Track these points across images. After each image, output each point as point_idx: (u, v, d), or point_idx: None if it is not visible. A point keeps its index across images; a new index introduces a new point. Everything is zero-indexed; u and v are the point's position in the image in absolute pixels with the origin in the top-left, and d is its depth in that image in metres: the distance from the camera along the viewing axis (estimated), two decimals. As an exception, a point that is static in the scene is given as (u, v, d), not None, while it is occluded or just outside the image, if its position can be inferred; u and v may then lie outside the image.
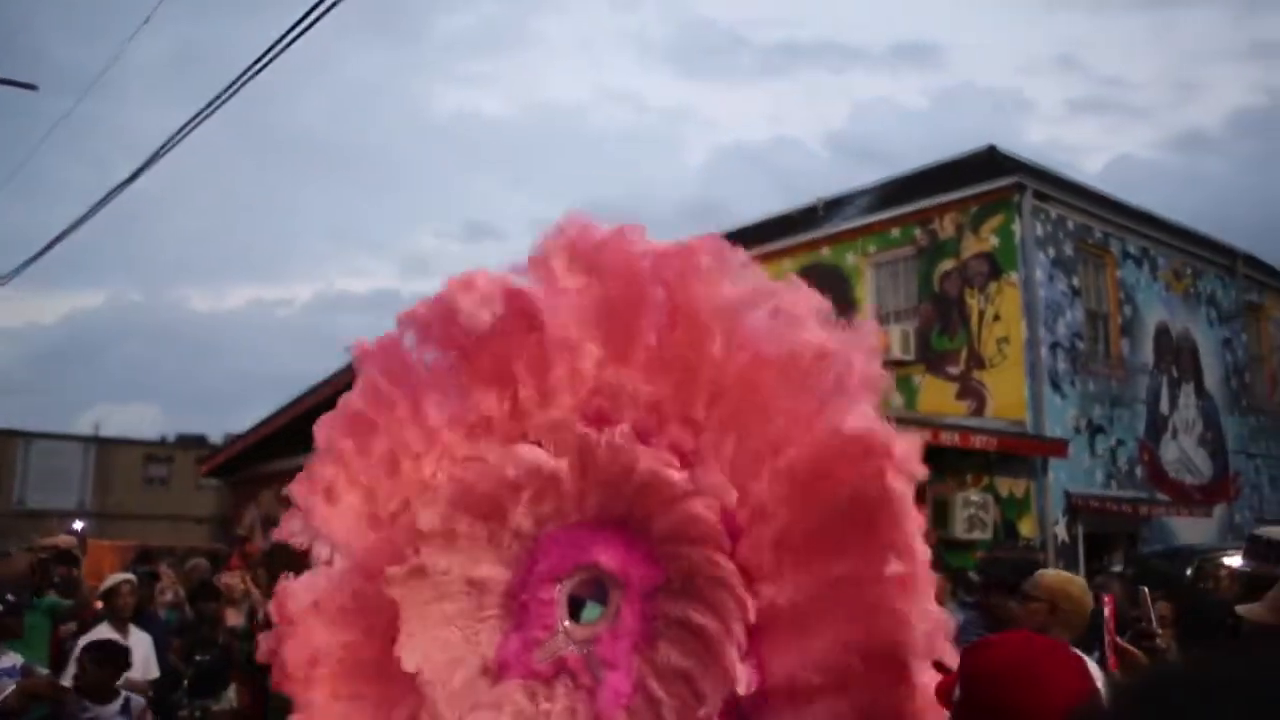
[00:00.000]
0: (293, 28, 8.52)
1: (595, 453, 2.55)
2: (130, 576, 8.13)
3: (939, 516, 13.60)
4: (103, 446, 43.93)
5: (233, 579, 10.55)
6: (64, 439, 43.32)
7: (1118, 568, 13.51)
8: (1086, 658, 2.29)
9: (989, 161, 17.83)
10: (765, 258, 19.15)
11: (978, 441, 13.91)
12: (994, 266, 16.01)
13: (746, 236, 20.46)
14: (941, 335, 16.48)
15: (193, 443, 44.83)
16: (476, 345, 2.68)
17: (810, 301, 2.46)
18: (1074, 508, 15.29)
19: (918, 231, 17.10)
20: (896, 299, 17.47)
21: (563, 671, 2.52)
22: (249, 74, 9.31)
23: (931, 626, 2.20)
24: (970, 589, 7.04)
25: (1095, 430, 16.35)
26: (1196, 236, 20.03)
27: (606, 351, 2.63)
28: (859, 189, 20.54)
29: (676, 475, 2.46)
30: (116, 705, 6.09)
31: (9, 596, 6.22)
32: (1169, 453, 17.69)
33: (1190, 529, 16.92)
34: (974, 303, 16.14)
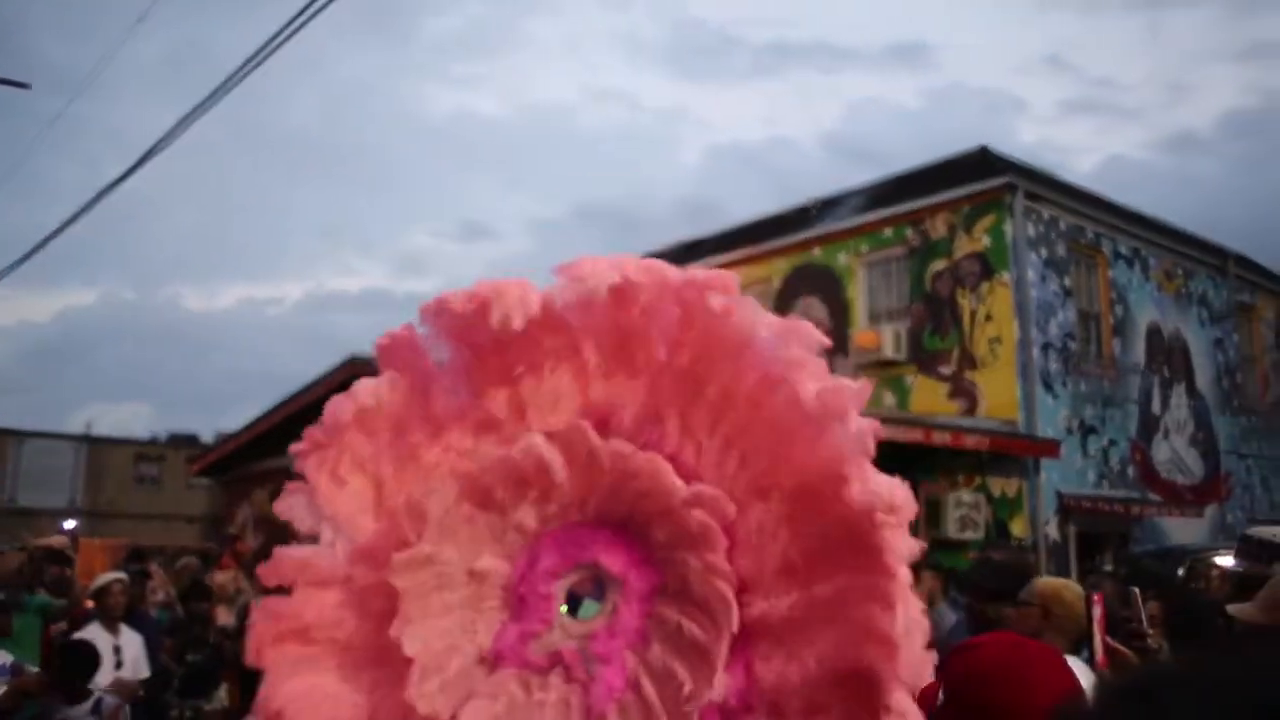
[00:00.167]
0: (285, 27, 8.52)
1: (599, 457, 2.58)
2: (121, 576, 8.11)
3: (931, 516, 13.63)
4: (94, 445, 43.87)
5: (224, 578, 10.56)
6: (56, 438, 43.24)
7: (1109, 568, 13.55)
8: (1075, 658, 2.29)
9: (981, 162, 17.86)
10: (758, 257, 19.19)
11: (970, 441, 13.94)
12: (986, 267, 16.04)
13: (740, 236, 20.53)
14: (933, 335, 16.50)
15: (184, 442, 44.76)
16: (493, 346, 2.71)
17: (816, 338, 2.54)
18: (1066, 508, 15.32)
19: (910, 231, 17.12)
20: (888, 299, 17.49)
21: (558, 664, 2.55)
22: (241, 73, 9.30)
23: (916, 661, 2.24)
24: (962, 590, 7.05)
25: (1087, 430, 16.38)
26: (1188, 237, 20.09)
27: (616, 361, 2.68)
28: (851, 189, 20.56)
29: (678, 483, 2.49)
30: (88, 705, 6.10)
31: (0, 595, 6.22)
32: (1161, 453, 17.73)
33: (1182, 529, 16.97)
34: (966, 303, 16.17)
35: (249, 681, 8.84)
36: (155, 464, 44.71)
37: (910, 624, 2.27)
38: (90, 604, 7.90)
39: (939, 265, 16.61)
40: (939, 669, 3.62)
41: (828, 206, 20.12)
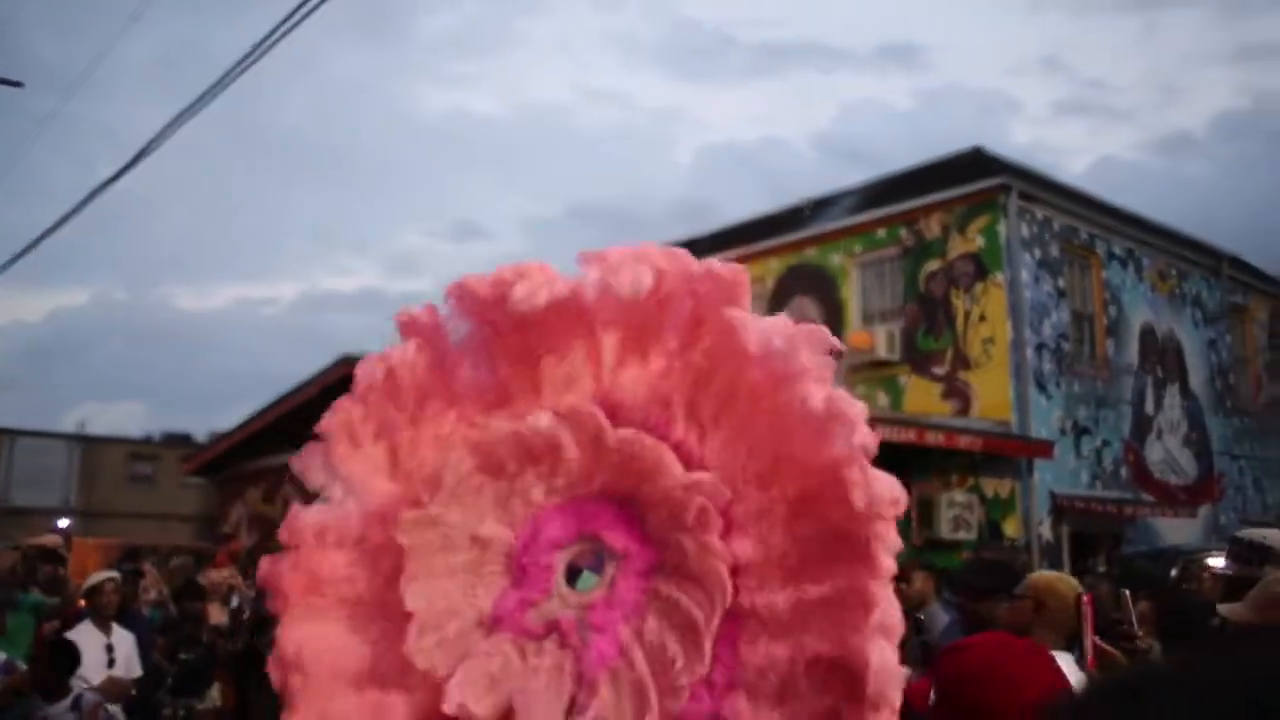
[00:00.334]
0: (278, 27, 8.51)
1: (606, 438, 2.68)
2: (114, 574, 8.09)
3: (924, 516, 13.64)
4: (88, 444, 43.79)
5: (218, 576, 10.54)
6: (49, 437, 43.17)
7: (1102, 569, 13.56)
8: (1065, 655, 2.31)
9: (975, 162, 17.87)
10: (752, 257, 19.17)
11: (963, 442, 13.96)
12: (980, 267, 16.05)
13: (734, 236, 20.52)
14: (927, 336, 16.52)
15: (178, 441, 44.68)
16: (512, 326, 2.80)
17: (827, 340, 2.61)
18: (1059, 508, 15.34)
19: (903, 232, 17.13)
20: (882, 299, 17.50)
21: (554, 632, 2.63)
22: (235, 73, 9.29)
23: (888, 669, 2.31)
24: (953, 590, 7.07)
25: (1080, 431, 16.40)
26: (1182, 238, 20.11)
27: (630, 349, 2.78)
28: (845, 189, 20.57)
29: (679, 469, 2.60)
30: (67, 702, 6.09)
31: (-8, 594, 6.22)
32: (1154, 453, 17.76)
33: (1175, 530, 16.98)
34: (960, 303, 16.18)
35: (242, 681, 8.85)
36: (149, 463, 44.62)
37: (888, 622, 2.35)
38: (83, 603, 7.88)
39: (933, 265, 16.62)
40: (930, 669, 3.64)
41: (822, 207, 20.12)
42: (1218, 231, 29.19)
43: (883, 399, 16.64)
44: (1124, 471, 17.02)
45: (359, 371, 2.92)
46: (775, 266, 18.96)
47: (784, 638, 2.48)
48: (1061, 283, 16.69)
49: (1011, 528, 14.81)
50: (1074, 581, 4.54)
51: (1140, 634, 4.16)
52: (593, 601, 2.66)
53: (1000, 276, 15.77)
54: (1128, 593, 4.14)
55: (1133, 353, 17.84)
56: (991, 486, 14.84)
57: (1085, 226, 17.46)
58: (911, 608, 7.63)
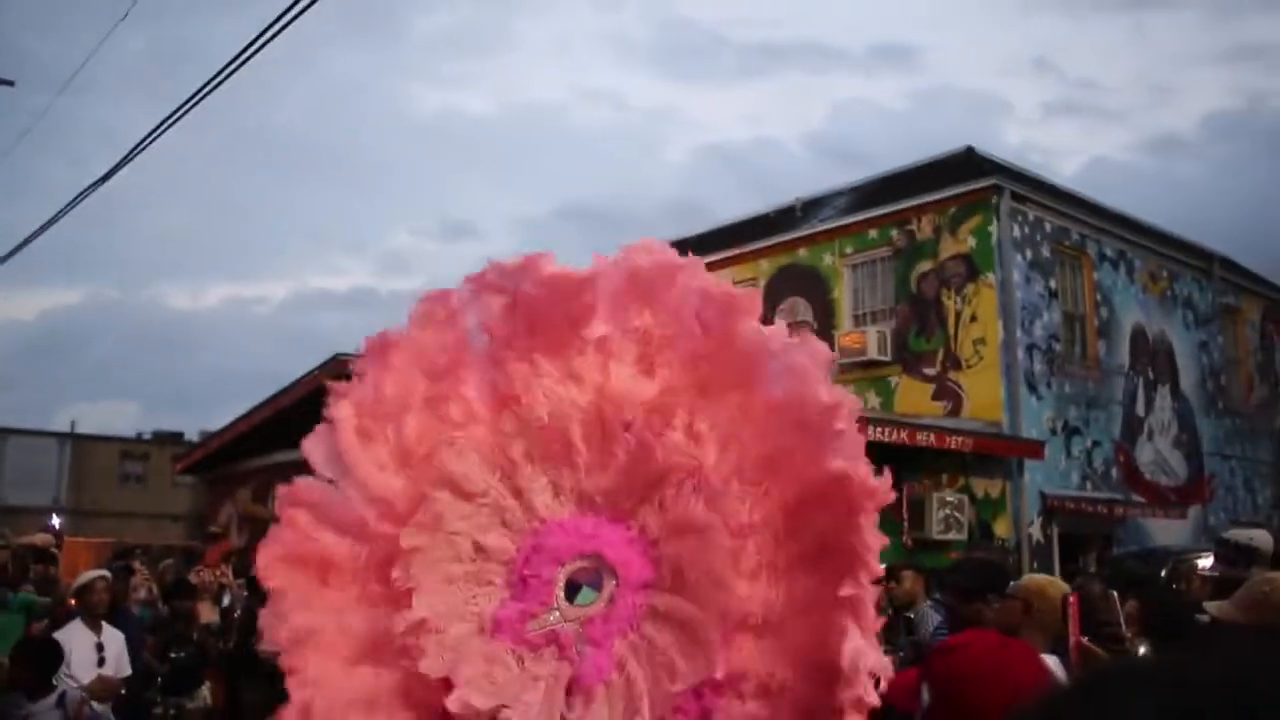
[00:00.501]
0: (271, 25, 8.50)
1: (615, 436, 2.80)
2: (104, 573, 8.07)
3: (915, 516, 13.66)
4: (79, 443, 43.67)
5: (208, 575, 10.52)
6: (40, 435, 43.04)
7: (1092, 569, 13.59)
8: (1051, 657, 2.33)
9: (967, 163, 17.91)
10: (744, 258, 19.19)
11: (954, 442, 13.97)
12: (971, 268, 16.07)
13: (725, 236, 20.53)
14: (918, 336, 16.54)
15: (169, 440, 44.55)
16: (527, 325, 2.91)
17: (824, 355, 2.76)
18: (1049, 509, 15.37)
19: (895, 232, 17.15)
20: (874, 300, 17.52)
21: (552, 643, 2.72)
22: (227, 72, 9.27)
23: (867, 670, 2.43)
24: (941, 590, 7.07)
25: (1071, 431, 16.43)
26: (1173, 239, 20.16)
27: (639, 355, 2.89)
28: (837, 189, 20.60)
29: (684, 474, 2.72)
30: (51, 700, 6.09)
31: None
32: (1144, 454, 17.80)
33: (1165, 530, 17.02)
34: (951, 304, 16.21)
35: (233, 680, 8.83)
36: (140, 462, 44.52)
37: (869, 625, 2.49)
38: (73, 602, 7.86)
39: (924, 266, 16.65)
40: (922, 668, 3.64)
41: (813, 207, 20.14)
42: (1209, 233, 29.36)
43: (874, 399, 16.66)
44: (1114, 472, 17.06)
45: (371, 354, 2.96)
46: (767, 267, 18.97)
47: (770, 637, 2.59)
48: (1053, 284, 16.72)
49: (1002, 528, 14.83)
50: (1064, 586, 4.56)
51: (1129, 635, 4.17)
52: (591, 616, 2.74)
53: (992, 277, 15.79)
54: (1115, 594, 4.15)
55: (1124, 354, 17.88)
56: (982, 487, 14.87)
57: (1077, 228, 17.50)
58: (901, 607, 7.64)
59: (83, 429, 45.15)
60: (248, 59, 8.94)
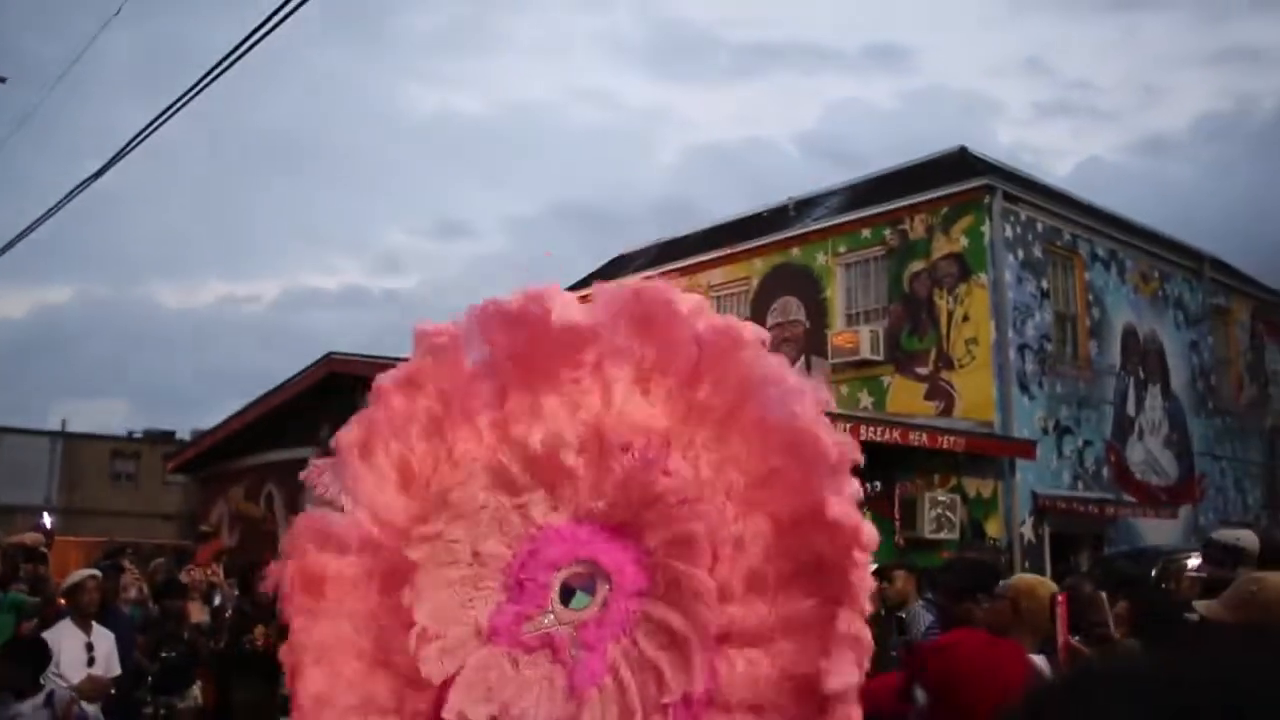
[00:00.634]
0: (263, 23, 8.48)
1: (614, 461, 2.90)
2: (95, 572, 8.04)
3: (907, 516, 13.67)
4: (70, 441, 43.49)
5: (199, 574, 10.50)
6: (31, 434, 42.85)
7: (1084, 568, 13.62)
8: (1039, 657, 2.34)
9: (960, 163, 17.93)
10: (736, 257, 19.20)
11: (946, 442, 13.99)
12: (963, 268, 16.10)
13: (719, 236, 20.53)
14: (911, 336, 16.56)
15: (161, 438, 44.39)
16: (529, 353, 3.02)
17: (821, 394, 2.86)
18: (1041, 508, 15.40)
19: (888, 232, 17.17)
20: (866, 299, 17.54)
21: (546, 646, 2.81)
22: (219, 70, 9.25)
23: (854, 689, 2.53)
24: (933, 589, 7.08)
25: (1063, 431, 16.46)
26: (1164, 240, 20.20)
27: (633, 380, 3.01)
28: (830, 189, 20.60)
29: (678, 496, 2.82)
30: (39, 699, 6.07)
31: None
32: (1135, 454, 17.83)
33: (1156, 530, 17.06)
34: (943, 304, 16.23)
35: (224, 679, 8.82)
36: (131, 461, 44.37)
37: (858, 645, 2.57)
38: (63, 601, 7.84)
39: (917, 266, 16.67)
40: (908, 669, 3.65)
41: (806, 206, 20.15)
42: (1199, 233, 29.35)
43: (866, 399, 16.68)
44: (1105, 472, 17.09)
45: (378, 385, 3.08)
46: (760, 266, 18.98)
47: (760, 654, 2.69)
48: (1045, 284, 16.75)
49: (994, 528, 14.85)
50: (1053, 586, 4.56)
51: (1118, 634, 4.18)
52: (585, 620, 2.83)
53: (984, 277, 15.81)
54: (1104, 594, 4.16)
55: (1115, 354, 17.91)
56: (974, 486, 14.89)
57: (1068, 228, 17.53)
58: (893, 607, 7.65)
59: (74, 427, 44.95)
60: (240, 56, 8.93)
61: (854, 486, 2.69)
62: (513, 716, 2.69)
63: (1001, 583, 4.57)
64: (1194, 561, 7.24)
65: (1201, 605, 3.63)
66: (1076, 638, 4.10)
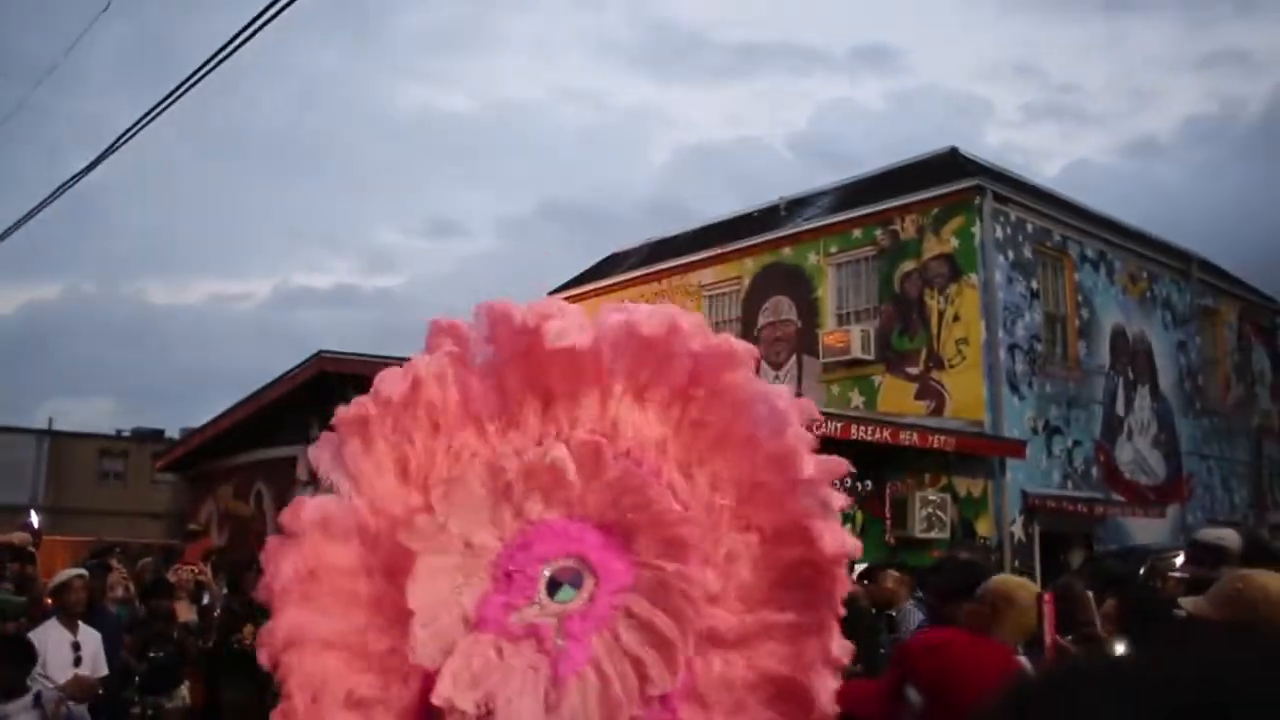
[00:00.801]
0: (253, 21, 8.46)
1: (608, 468, 3.00)
2: (82, 572, 8.01)
3: (897, 515, 13.70)
4: (57, 440, 43.33)
5: (186, 573, 10.46)
6: (18, 432, 42.67)
7: (1075, 567, 13.64)
8: (1023, 658, 2.35)
9: (950, 164, 17.96)
10: (727, 256, 19.22)
11: (936, 441, 14.01)
12: (954, 268, 16.13)
13: (710, 236, 20.55)
14: (901, 336, 16.58)
15: (149, 437, 44.27)
16: (536, 358, 3.09)
17: (807, 411, 3.01)
18: (1031, 507, 15.44)
19: (879, 232, 17.19)
20: (857, 299, 17.56)
21: (531, 635, 2.88)
22: (209, 66, 9.22)
23: (831, 698, 2.69)
24: (923, 589, 7.09)
25: (1052, 431, 16.50)
26: (1153, 241, 20.28)
27: (635, 396, 3.13)
28: (821, 189, 20.63)
29: (672, 503, 2.93)
30: (27, 699, 6.05)
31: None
32: (1124, 454, 17.89)
33: (1144, 529, 17.12)
34: (934, 304, 16.26)
35: (212, 679, 8.79)
36: (119, 459, 44.22)
37: (836, 655, 2.76)
38: (50, 601, 7.80)
39: (908, 266, 16.69)
40: (895, 672, 3.65)
41: (797, 206, 20.18)
42: (1187, 234, 29.40)
43: (857, 398, 16.71)
44: (1095, 471, 17.14)
45: (382, 378, 3.13)
46: (751, 266, 19.00)
47: (739, 658, 2.84)
48: (1034, 284, 16.78)
49: (984, 527, 14.89)
50: (1034, 587, 4.57)
51: (1104, 634, 4.19)
52: (570, 612, 2.92)
53: (974, 278, 15.85)
54: (1091, 594, 4.16)
55: (1104, 354, 17.96)
56: (964, 485, 14.92)
57: (1058, 229, 17.57)
58: (883, 606, 7.66)
59: (61, 426, 44.81)
60: (230, 54, 8.90)
61: (838, 499, 2.83)
62: (498, 703, 2.75)
63: (981, 586, 4.57)
64: (1179, 561, 7.26)
65: (1188, 602, 3.64)
66: (1068, 637, 4.11)
